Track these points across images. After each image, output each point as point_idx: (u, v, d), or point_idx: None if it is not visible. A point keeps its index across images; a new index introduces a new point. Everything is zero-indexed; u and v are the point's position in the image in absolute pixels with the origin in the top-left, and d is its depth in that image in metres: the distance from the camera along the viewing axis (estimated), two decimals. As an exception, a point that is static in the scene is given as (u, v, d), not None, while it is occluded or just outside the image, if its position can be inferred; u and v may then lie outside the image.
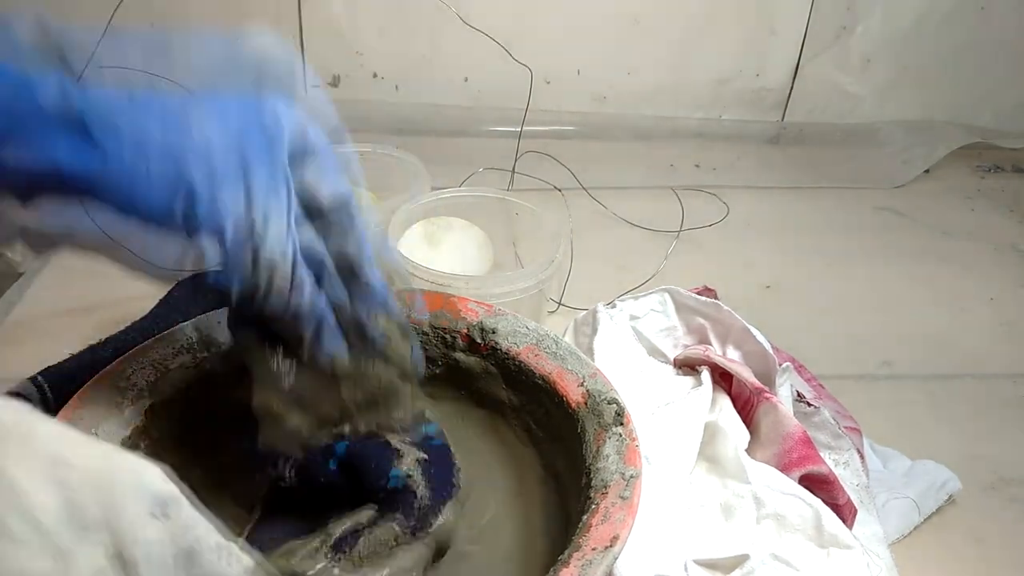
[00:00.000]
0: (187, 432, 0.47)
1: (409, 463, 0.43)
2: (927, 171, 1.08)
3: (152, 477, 0.26)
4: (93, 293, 0.72)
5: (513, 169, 0.92)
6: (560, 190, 0.88)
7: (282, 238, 0.35)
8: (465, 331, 0.51)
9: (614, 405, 0.44)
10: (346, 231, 0.37)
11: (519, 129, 0.94)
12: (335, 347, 0.39)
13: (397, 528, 0.41)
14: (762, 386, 0.55)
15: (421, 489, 0.42)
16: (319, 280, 0.37)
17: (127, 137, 0.33)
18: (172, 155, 0.33)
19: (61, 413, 0.42)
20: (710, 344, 0.61)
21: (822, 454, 0.52)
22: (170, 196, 0.33)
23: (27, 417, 0.24)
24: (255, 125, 0.35)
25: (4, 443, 0.23)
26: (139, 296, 0.66)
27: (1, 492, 0.22)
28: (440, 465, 0.44)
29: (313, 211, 0.37)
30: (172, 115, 0.34)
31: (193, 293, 0.62)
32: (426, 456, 0.44)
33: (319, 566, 0.39)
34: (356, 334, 0.39)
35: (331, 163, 0.37)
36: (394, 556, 0.41)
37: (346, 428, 0.41)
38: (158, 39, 0.33)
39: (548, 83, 1.07)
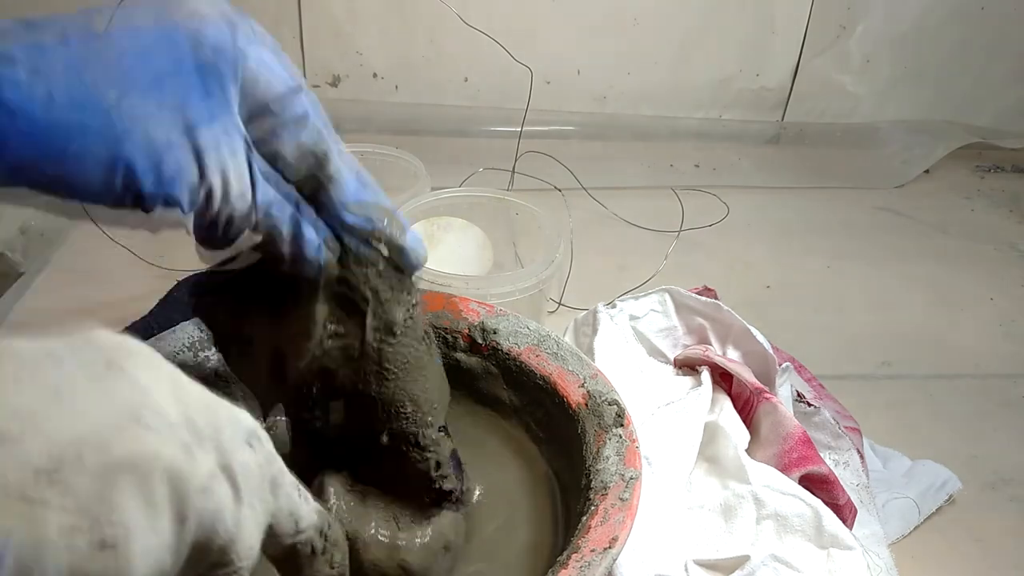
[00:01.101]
0: None
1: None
2: (927, 171, 1.08)
3: (244, 414, 0.27)
4: (93, 293, 0.72)
5: (513, 169, 0.92)
6: (560, 190, 0.88)
7: (244, 185, 0.32)
8: (466, 331, 0.51)
9: (614, 406, 0.44)
10: (303, 120, 0.34)
11: (519, 129, 0.94)
12: (318, 234, 0.36)
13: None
14: (762, 386, 0.55)
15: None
16: (283, 177, 0.35)
17: (22, 61, 0.28)
18: (98, 128, 0.29)
19: None
20: (710, 344, 0.61)
21: (822, 454, 0.52)
22: (106, 175, 0.30)
23: (147, 347, 0.26)
24: (188, 63, 0.31)
25: (134, 357, 0.24)
26: (139, 296, 0.66)
27: (135, 391, 0.24)
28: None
29: (262, 109, 0.33)
30: (74, 35, 0.29)
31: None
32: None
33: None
34: (335, 227, 0.37)
35: (269, 56, 0.33)
36: (432, 520, 0.41)
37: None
38: (79, 22, 0.29)
39: (548, 83, 1.07)
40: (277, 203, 0.34)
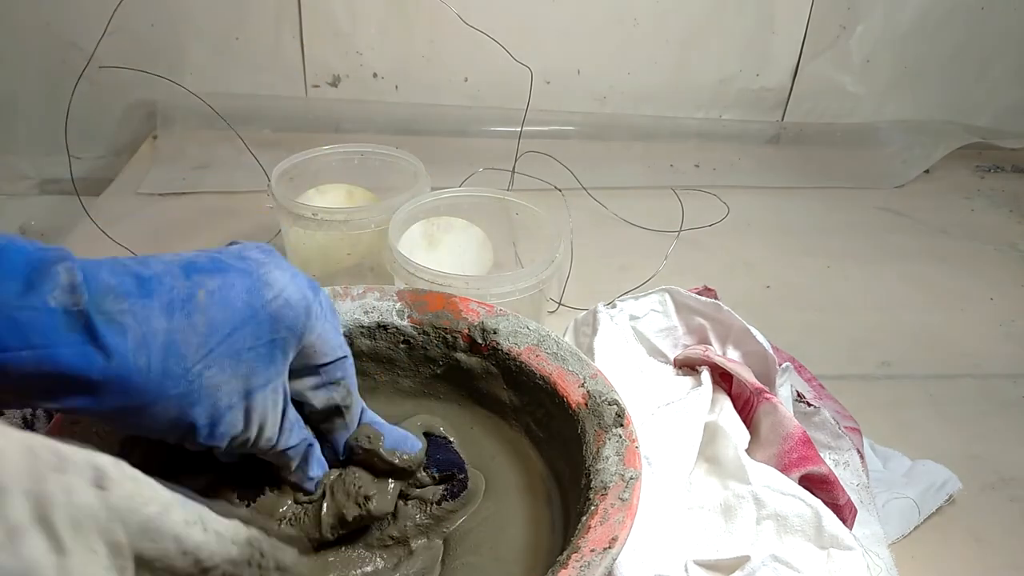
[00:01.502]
0: None
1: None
2: (927, 171, 1.08)
3: (95, 455, 0.27)
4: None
5: (513, 169, 0.92)
6: (560, 190, 0.88)
7: (274, 433, 0.37)
8: (466, 331, 0.51)
9: (614, 406, 0.44)
10: (337, 384, 0.40)
11: (519, 129, 0.94)
12: (320, 471, 0.41)
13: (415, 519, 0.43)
14: (762, 386, 0.55)
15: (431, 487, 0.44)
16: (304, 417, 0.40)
17: (132, 331, 0.31)
18: (178, 395, 0.33)
19: (57, 417, 0.42)
20: (710, 344, 0.61)
21: (822, 454, 0.52)
22: (171, 428, 0.34)
23: None
24: (265, 338, 0.35)
25: None
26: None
27: None
28: (444, 453, 0.45)
29: (310, 370, 0.39)
30: (179, 306, 0.33)
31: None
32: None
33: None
34: (334, 457, 0.42)
35: (330, 330, 0.38)
36: (412, 556, 0.43)
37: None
38: (185, 291, 0.33)
39: (548, 83, 1.07)
40: (295, 447, 0.39)
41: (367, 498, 0.41)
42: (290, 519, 0.41)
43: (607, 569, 0.35)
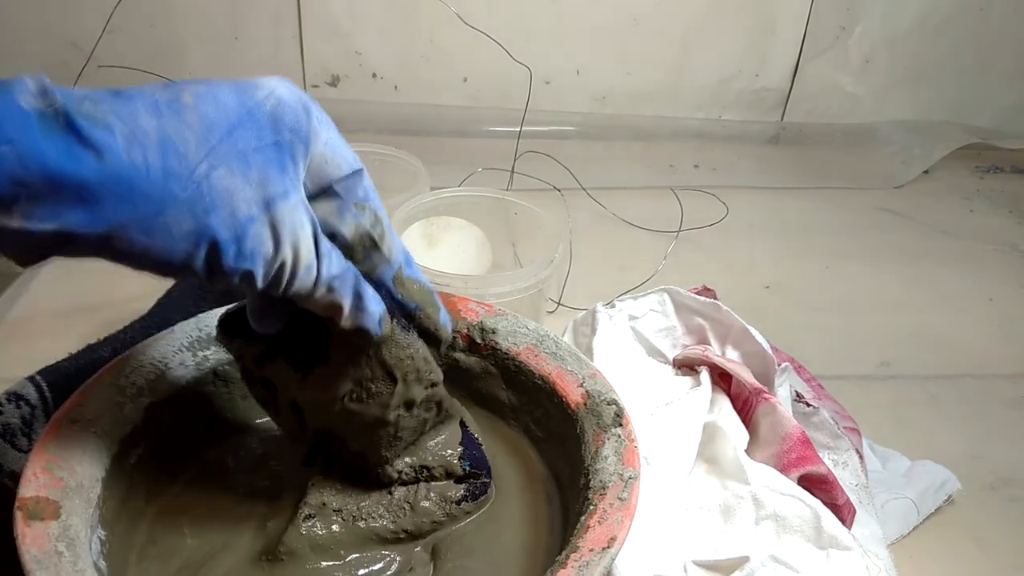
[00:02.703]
0: (187, 431, 0.47)
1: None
2: (926, 171, 1.08)
3: None
4: (93, 293, 0.72)
5: (512, 169, 0.92)
6: (560, 190, 0.88)
7: (311, 260, 0.34)
8: (465, 331, 0.51)
9: (613, 406, 0.44)
10: (363, 204, 0.36)
11: (518, 129, 0.94)
12: (379, 307, 0.37)
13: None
14: (761, 386, 0.55)
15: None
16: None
17: (119, 129, 0.29)
18: (188, 198, 0.30)
19: (60, 412, 0.42)
20: (709, 344, 0.61)
21: (821, 454, 0.52)
22: (192, 246, 0.30)
23: None
24: (269, 140, 0.32)
25: None
26: (139, 296, 0.66)
27: None
28: (475, 450, 0.46)
29: (326, 190, 0.35)
30: (165, 106, 0.30)
31: (194, 291, 0.62)
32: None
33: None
34: (387, 300, 0.38)
35: (337, 139, 0.35)
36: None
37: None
38: (168, 94, 0.30)
39: (548, 83, 1.07)
40: (340, 278, 0.35)
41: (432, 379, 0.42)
42: (353, 396, 0.40)
43: (606, 569, 0.35)
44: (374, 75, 1.09)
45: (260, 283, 0.32)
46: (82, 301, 0.72)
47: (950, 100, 1.16)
